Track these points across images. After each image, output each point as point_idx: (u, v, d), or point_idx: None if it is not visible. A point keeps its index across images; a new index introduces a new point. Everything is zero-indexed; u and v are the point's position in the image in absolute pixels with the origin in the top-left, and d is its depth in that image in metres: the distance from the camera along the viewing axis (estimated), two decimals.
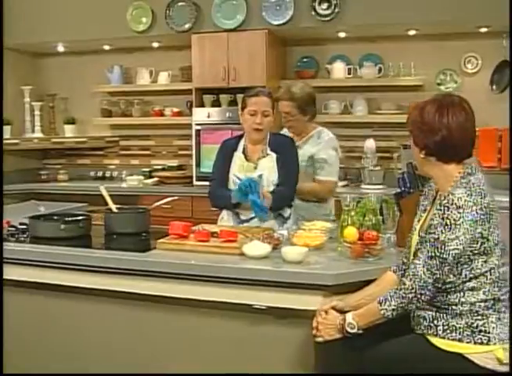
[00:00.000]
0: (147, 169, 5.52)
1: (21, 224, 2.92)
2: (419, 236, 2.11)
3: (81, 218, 2.83)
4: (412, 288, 1.97)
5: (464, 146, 2.05)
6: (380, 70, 4.94)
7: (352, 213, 2.61)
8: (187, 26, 4.87)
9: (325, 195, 3.45)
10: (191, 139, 5.11)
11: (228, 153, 3.24)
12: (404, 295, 1.99)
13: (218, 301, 2.38)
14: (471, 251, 1.95)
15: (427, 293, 1.98)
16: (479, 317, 1.97)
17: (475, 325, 1.97)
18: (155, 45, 5.38)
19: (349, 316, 2.08)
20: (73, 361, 2.69)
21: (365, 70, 4.96)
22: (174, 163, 5.60)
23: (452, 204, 1.92)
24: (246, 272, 2.32)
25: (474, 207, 1.92)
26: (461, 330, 1.97)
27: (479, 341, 1.96)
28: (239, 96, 4.49)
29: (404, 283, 2.00)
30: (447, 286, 1.99)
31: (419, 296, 1.98)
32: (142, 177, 5.32)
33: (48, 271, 2.59)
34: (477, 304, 1.98)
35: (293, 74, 5.22)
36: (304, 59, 5.23)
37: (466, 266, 1.97)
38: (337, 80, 5.03)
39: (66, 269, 2.56)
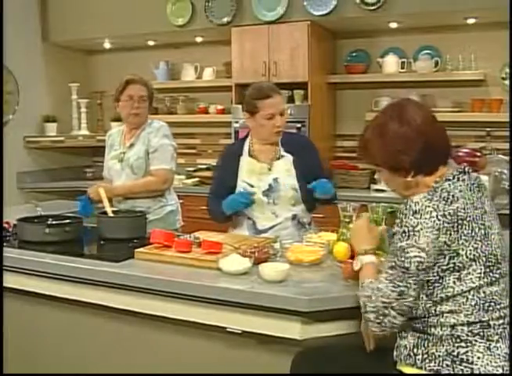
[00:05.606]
0: (192, 168, 5.33)
1: (15, 226, 2.79)
2: None
3: (67, 221, 2.65)
4: (375, 307, 1.68)
5: (444, 145, 1.83)
6: (436, 63, 4.48)
7: (351, 225, 2.25)
8: (226, 19, 4.63)
9: (160, 186, 3.16)
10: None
11: (232, 161, 2.92)
12: (372, 310, 1.70)
13: (189, 321, 2.12)
14: (439, 267, 1.65)
15: (392, 313, 1.67)
16: (462, 344, 1.63)
17: (456, 353, 1.62)
18: (199, 39, 5.19)
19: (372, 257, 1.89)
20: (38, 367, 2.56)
21: (421, 63, 4.52)
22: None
23: (409, 210, 1.66)
24: (216, 291, 2.04)
25: (434, 213, 1.63)
26: (440, 358, 1.64)
27: (460, 373, 1.61)
28: (283, 92, 4.16)
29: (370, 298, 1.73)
30: (424, 311, 1.69)
31: (381, 318, 1.68)
32: (183, 176, 5.13)
33: (20, 277, 2.44)
34: (459, 328, 1.64)
35: (342, 69, 4.86)
36: (354, 53, 4.84)
37: (437, 285, 1.67)
38: (390, 75, 4.62)
39: (39, 276, 2.39)
